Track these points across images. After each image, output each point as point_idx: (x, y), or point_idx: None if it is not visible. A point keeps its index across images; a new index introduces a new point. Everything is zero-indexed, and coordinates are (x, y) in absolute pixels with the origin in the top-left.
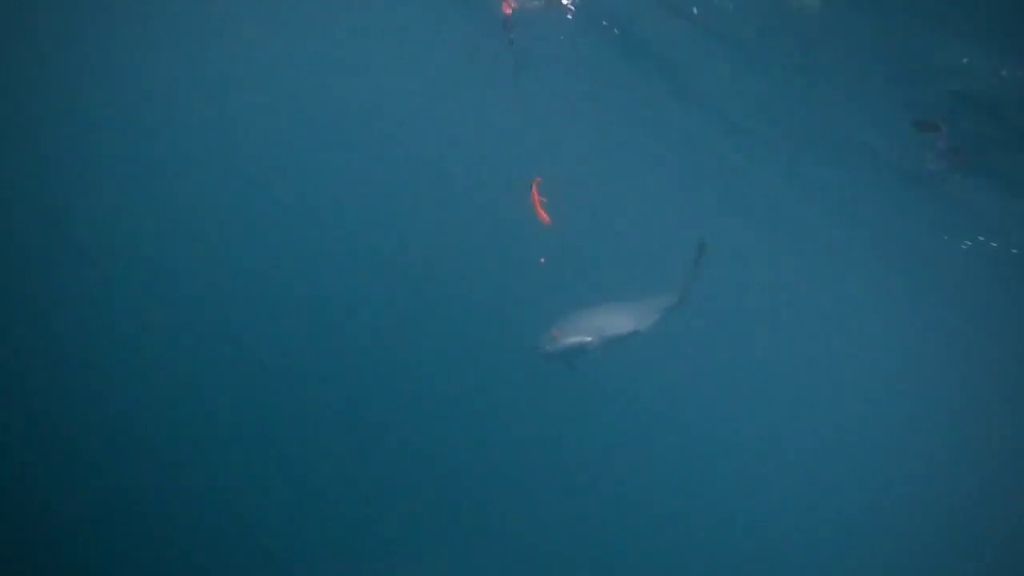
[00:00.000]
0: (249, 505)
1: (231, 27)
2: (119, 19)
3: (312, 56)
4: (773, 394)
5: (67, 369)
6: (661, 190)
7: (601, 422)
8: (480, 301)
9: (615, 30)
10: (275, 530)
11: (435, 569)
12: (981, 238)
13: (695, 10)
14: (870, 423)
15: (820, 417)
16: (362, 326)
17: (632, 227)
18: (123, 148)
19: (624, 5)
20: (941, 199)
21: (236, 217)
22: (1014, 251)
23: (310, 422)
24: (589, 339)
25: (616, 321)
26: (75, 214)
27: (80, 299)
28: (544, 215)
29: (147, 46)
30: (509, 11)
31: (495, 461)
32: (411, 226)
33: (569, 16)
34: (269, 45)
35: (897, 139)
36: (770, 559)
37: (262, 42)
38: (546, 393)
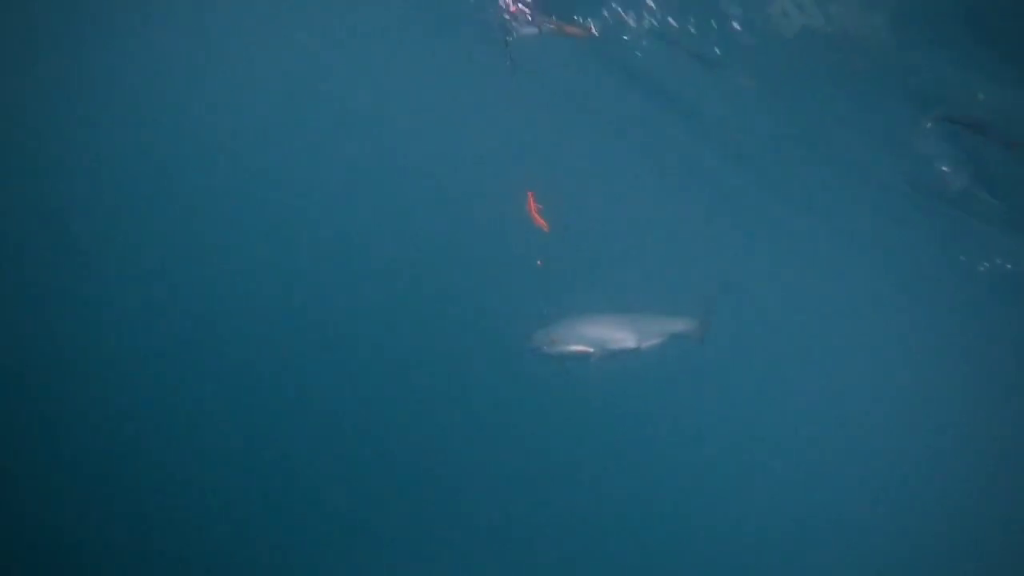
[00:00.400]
0: (247, 505)
1: (231, 29)
2: (119, 19)
3: (310, 61)
4: (785, 418)
5: (65, 369)
6: (669, 209)
7: (602, 424)
8: (480, 304)
9: (637, 53)
10: (274, 531)
11: (434, 571)
12: (998, 260)
13: (717, 51)
14: (881, 440)
15: (833, 434)
16: (362, 329)
17: (638, 241)
18: (123, 148)
19: (645, 51)
20: (958, 223)
21: (236, 218)
22: None
23: (311, 423)
24: (589, 349)
25: (618, 335)
26: (74, 213)
27: (78, 298)
28: (542, 222)
29: (147, 47)
30: (513, 11)
31: (495, 464)
32: (412, 231)
33: (584, 46)
34: (268, 48)
35: (914, 169)
36: (776, 562)
37: (261, 45)
38: (548, 396)
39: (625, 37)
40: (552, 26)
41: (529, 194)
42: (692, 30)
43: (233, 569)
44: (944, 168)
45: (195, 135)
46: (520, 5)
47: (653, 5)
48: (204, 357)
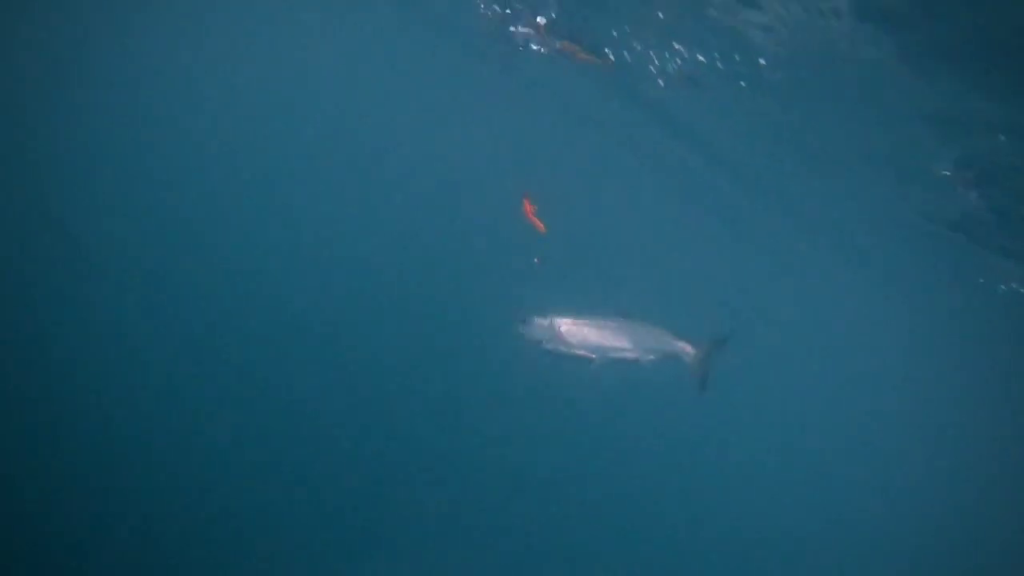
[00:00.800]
0: (245, 505)
1: (230, 30)
2: (118, 20)
3: (311, 66)
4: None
5: (63, 368)
6: (682, 228)
7: (605, 425)
8: (482, 308)
9: (660, 84)
10: (271, 532)
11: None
12: (1014, 284)
13: (743, 83)
14: (897, 453)
15: (852, 454)
16: (363, 330)
17: (644, 254)
18: (122, 147)
19: (666, 88)
20: (975, 252)
21: (234, 217)
22: None
23: (310, 422)
24: (591, 356)
25: (619, 342)
26: (73, 212)
27: (77, 297)
28: (538, 224)
29: (144, 47)
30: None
31: (494, 464)
32: (414, 233)
33: (601, 70)
34: (269, 51)
35: (935, 193)
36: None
37: (261, 47)
38: (549, 396)
39: (651, 69)
40: (563, 49)
41: (525, 197)
42: (719, 65)
43: (232, 570)
44: (959, 200)
45: (189, 136)
46: (530, 29)
47: (681, 47)
48: (202, 356)
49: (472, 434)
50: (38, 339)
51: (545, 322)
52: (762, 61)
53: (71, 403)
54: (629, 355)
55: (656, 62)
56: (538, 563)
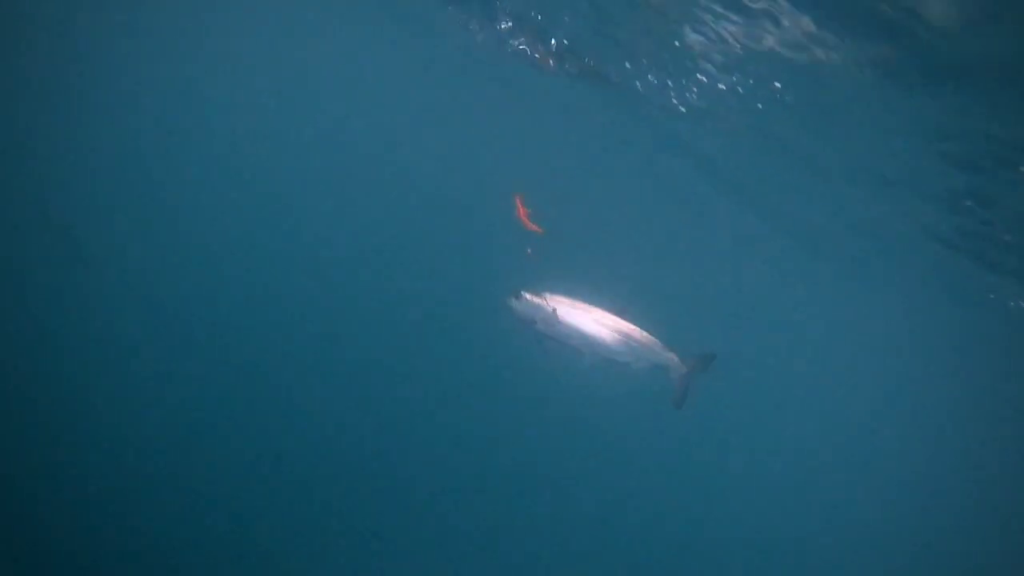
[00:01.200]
0: (242, 504)
1: (229, 32)
2: (117, 20)
3: (308, 67)
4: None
5: (60, 366)
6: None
7: (606, 425)
8: (481, 307)
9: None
10: (269, 530)
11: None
12: (1023, 303)
13: (760, 105)
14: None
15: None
16: (361, 331)
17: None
18: (119, 147)
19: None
20: (986, 266)
21: (232, 218)
22: None
23: (308, 418)
24: (581, 349)
25: (612, 342)
26: (70, 212)
27: (74, 297)
28: (532, 225)
29: (143, 48)
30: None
31: (494, 464)
32: (411, 233)
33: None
34: (267, 53)
35: (941, 211)
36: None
37: (260, 51)
38: (548, 396)
39: (674, 100)
40: (570, 69)
41: (517, 199)
42: (740, 90)
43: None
44: (967, 221)
45: (188, 137)
46: (530, 47)
47: (702, 77)
48: (201, 354)
49: (471, 432)
50: (37, 338)
51: (539, 300)
52: (777, 84)
53: (71, 401)
54: (621, 358)
55: (674, 92)
56: (539, 563)
